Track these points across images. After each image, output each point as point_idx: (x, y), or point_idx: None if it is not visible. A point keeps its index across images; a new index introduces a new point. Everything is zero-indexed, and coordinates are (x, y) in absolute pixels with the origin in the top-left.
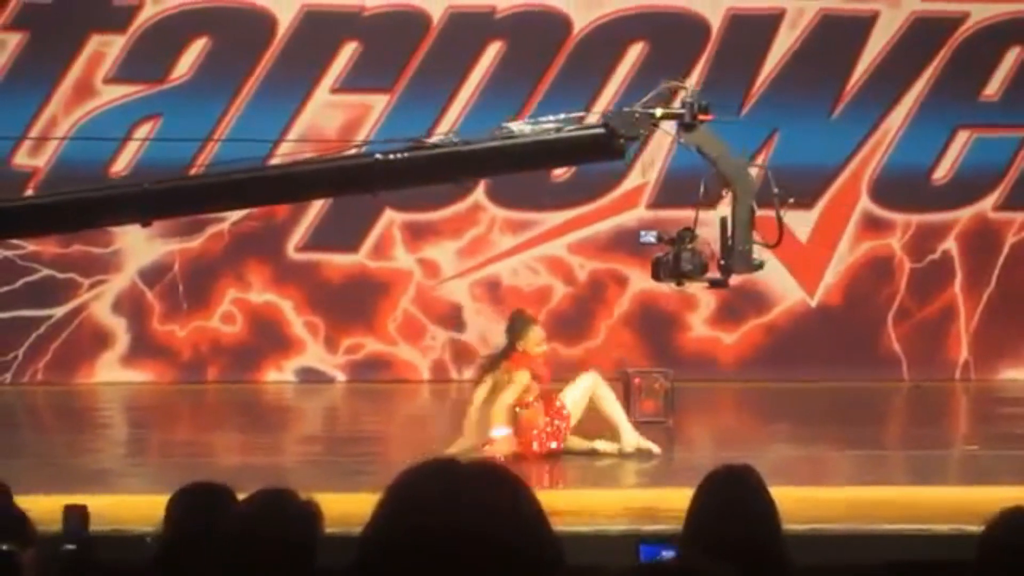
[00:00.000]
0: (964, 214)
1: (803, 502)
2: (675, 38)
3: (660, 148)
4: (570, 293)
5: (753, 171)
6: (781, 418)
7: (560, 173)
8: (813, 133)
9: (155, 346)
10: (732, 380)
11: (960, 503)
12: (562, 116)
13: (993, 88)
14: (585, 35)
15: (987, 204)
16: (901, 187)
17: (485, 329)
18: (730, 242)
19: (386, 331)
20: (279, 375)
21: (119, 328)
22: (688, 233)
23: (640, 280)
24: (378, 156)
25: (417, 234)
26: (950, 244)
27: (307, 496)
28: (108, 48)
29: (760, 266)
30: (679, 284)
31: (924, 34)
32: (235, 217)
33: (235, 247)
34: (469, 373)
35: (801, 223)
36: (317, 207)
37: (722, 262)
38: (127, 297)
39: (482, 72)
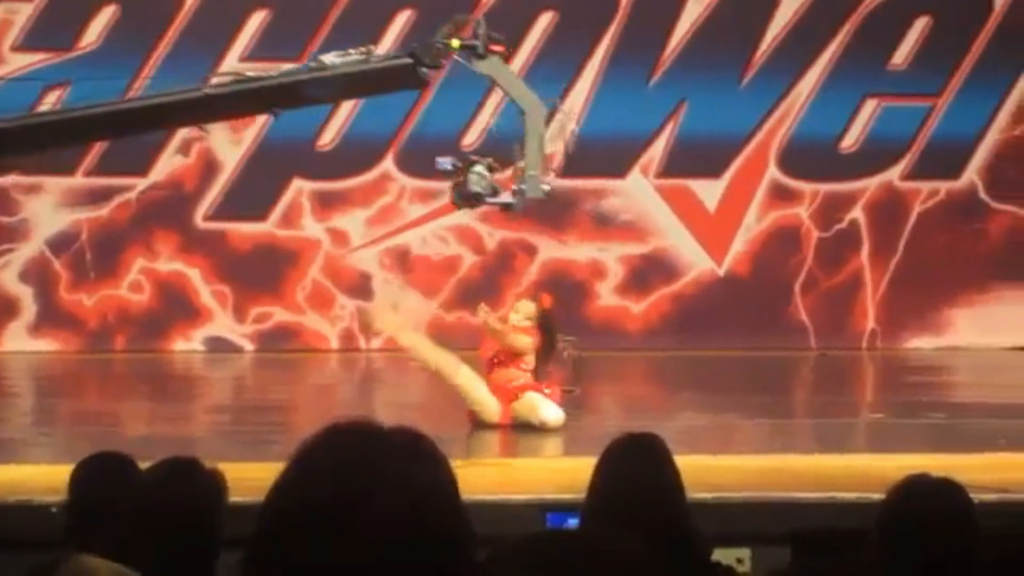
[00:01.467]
0: (871, 183)
1: (709, 470)
2: (584, 7)
3: (569, 116)
4: (479, 262)
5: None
6: (688, 387)
7: (470, 143)
8: (722, 102)
9: (62, 315)
10: (640, 349)
11: (865, 471)
12: (366, 48)
13: (901, 57)
14: (494, 3)
15: (894, 173)
16: (809, 156)
17: (394, 299)
18: (521, 168)
19: (295, 300)
20: (187, 344)
21: (26, 297)
22: (478, 158)
23: (549, 249)
24: (205, 90)
25: (326, 203)
26: (857, 213)
27: (212, 465)
28: (15, 16)
29: (548, 193)
30: (472, 207)
31: (832, 2)
32: (143, 186)
33: (142, 216)
34: (377, 342)
35: (709, 192)
36: (225, 176)
37: (514, 187)
38: (34, 266)
39: (392, 40)
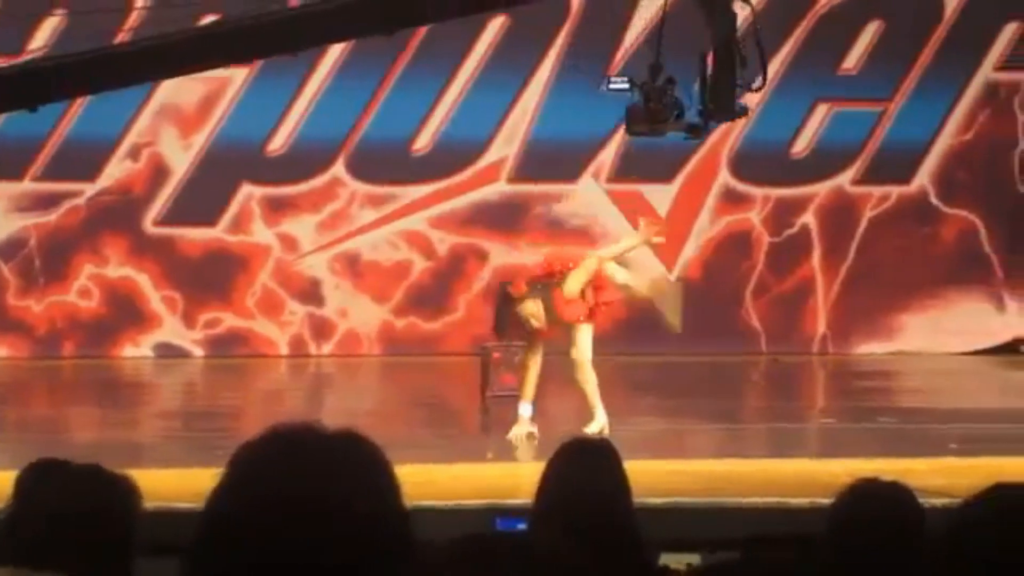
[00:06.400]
0: (822, 188)
1: (661, 475)
2: (535, 11)
3: (521, 121)
4: (430, 267)
5: None
6: (639, 392)
7: (420, 147)
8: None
9: (11, 321)
10: (592, 354)
11: (816, 476)
12: None
13: (852, 62)
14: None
15: (845, 178)
16: (760, 161)
17: (344, 303)
18: (710, 83)
19: (244, 306)
20: (136, 350)
21: None
22: (660, 71)
23: (500, 254)
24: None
25: (276, 208)
26: (808, 218)
27: (121, 471)
28: None
29: (744, 112)
30: (654, 133)
31: (784, 8)
32: (91, 191)
33: (92, 221)
34: (328, 347)
35: (660, 197)
36: (174, 181)
37: (701, 108)
38: None
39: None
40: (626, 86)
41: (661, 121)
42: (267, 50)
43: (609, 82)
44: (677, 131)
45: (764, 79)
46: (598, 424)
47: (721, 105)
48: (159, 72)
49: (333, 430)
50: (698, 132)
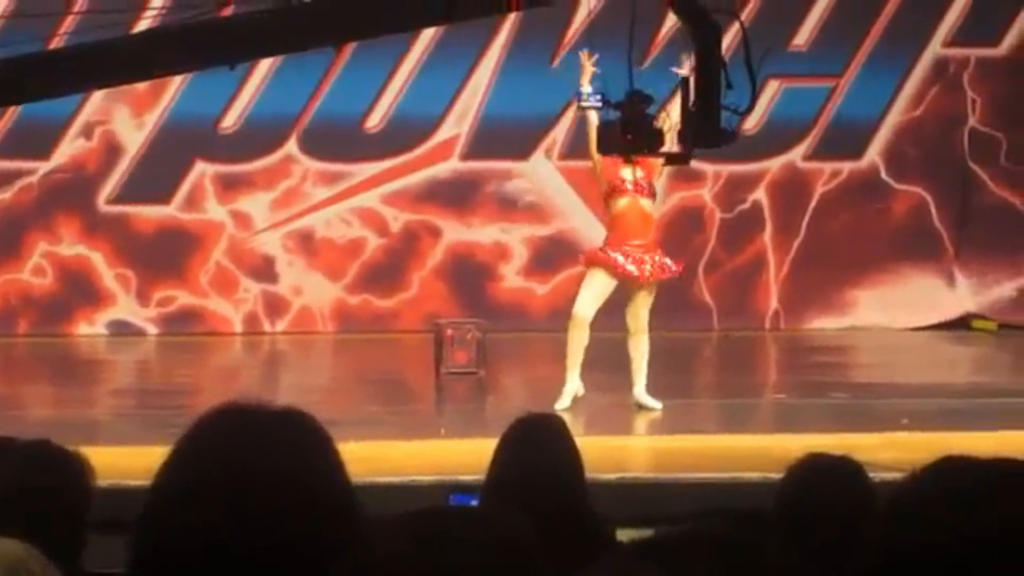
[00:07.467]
0: (774, 164)
1: (612, 451)
2: None
3: (473, 98)
4: (383, 245)
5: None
6: (593, 368)
7: (373, 125)
8: (625, 83)
9: None
10: (545, 330)
11: (769, 451)
12: None
13: (802, 38)
14: None
15: (797, 154)
16: None
17: (298, 281)
18: (693, 108)
19: (198, 283)
20: (90, 328)
21: None
22: (641, 96)
23: (453, 232)
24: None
25: (229, 186)
26: (760, 194)
27: (75, 448)
28: None
29: (733, 137)
30: (627, 160)
31: None
32: (45, 169)
33: (45, 199)
34: (282, 325)
35: None
36: (128, 159)
37: (681, 133)
38: None
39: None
40: (599, 104)
41: (639, 151)
42: (226, 57)
43: (580, 99)
44: (654, 158)
45: (753, 102)
46: (565, 399)
47: (704, 130)
48: (98, 80)
49: (277, 407)
50: (680, 161)
